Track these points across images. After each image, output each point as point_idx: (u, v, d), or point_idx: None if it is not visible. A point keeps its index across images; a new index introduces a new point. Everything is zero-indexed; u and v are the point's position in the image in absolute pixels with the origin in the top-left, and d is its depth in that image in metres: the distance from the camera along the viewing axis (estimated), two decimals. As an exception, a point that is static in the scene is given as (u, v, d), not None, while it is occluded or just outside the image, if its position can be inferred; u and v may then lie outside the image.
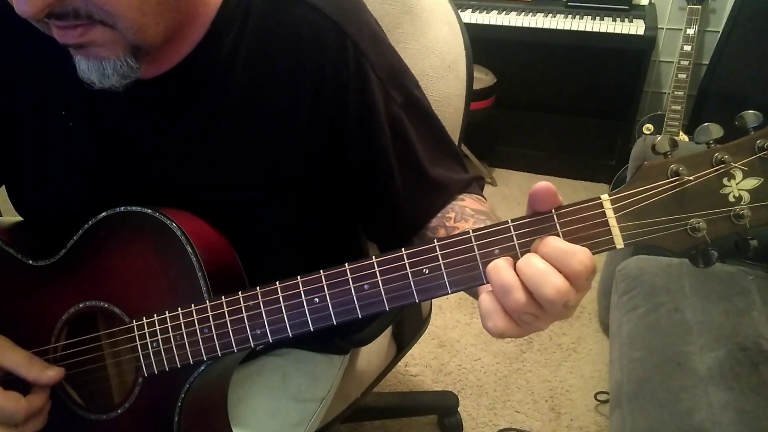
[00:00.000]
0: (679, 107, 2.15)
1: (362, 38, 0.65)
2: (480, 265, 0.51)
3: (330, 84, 0.64)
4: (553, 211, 0.50)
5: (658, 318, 1.29)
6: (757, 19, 2.04)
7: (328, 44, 0.63)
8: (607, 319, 1.55)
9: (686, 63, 2.14)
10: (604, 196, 0.50)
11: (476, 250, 0.51)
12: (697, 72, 2.24)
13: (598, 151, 2.58)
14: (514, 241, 0.51)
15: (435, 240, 0.52)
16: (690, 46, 2.13)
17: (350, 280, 0.55)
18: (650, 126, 2.23)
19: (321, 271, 0.56)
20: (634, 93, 2.31)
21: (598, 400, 1.60)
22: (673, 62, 2.37)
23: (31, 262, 0.69)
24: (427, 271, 0.53)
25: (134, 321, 0.64)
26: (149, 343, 0.63)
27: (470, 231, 0.51)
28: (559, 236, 0.50)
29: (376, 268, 0.54)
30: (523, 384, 1.67)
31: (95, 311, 0.67)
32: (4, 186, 0.77)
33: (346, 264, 0.55)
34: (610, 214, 0.49)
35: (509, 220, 0.51)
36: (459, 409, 1.54)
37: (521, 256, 0.50)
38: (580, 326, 1.86)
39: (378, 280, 0.54)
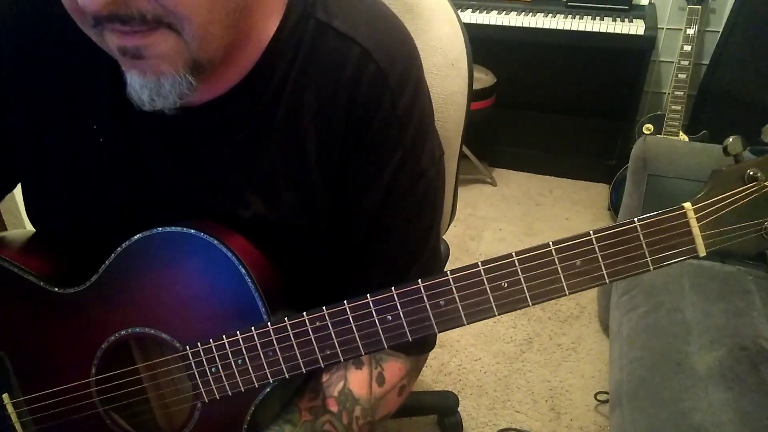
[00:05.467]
0: (679, 107, 2.15)
1: (403, 94, 0.62)
2: (562, 278, 0.52)
3: (357, 118, 0.61)
4: (636, 221, 0.50)
5: (658, 318, 1.29)
6: (757, 19, 2.04)
7: (365, 85, 0.60)
8: (607, 319, 1.55)
9: (686, 63, 2.14)
10: (687, 205, 0.50)
11: (557, 263, 0.52)
12: (697, 72, 2.24)
13: (598, 151, 2.58)
14: (596, 253, 0.51)
15: (513, 254, 0.52)
16: (690, 46, 2.13)
17: (425, 297, 0.55)
18: (650, 126, 2.23)
19: (392, 288, 0.55)
20: (634, 93, 2.31)
21: (598, 400, 1.60)
22: (673, 62, 2.37)
23: (57, 289, 0.64)
24: (506, 285, 0.53)
25: (188, 347, 0.61)
26: (207, 370, 0.60)
27: (551, 243, 0.52)
28: (642, 247, 0.50)
29: (452, 285, 0.54)
30: (523, 384, 1.67)
31: (129, 339, 0.64)
32: (9, 196, 0.74)
33: (419, 280, 0.55)
34: (693, 223, 0.50)
35: (591, 231, 0.51)
36: (459, 409, 1.54)
37: (604, 269, 0.51)
38: (580, 326, 1.86)
39: (455, 296, 0.54)
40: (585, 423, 1.55)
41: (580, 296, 1.97)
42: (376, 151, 0.62)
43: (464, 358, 1.75)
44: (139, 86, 0.51)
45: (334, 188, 0.64)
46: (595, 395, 1.60)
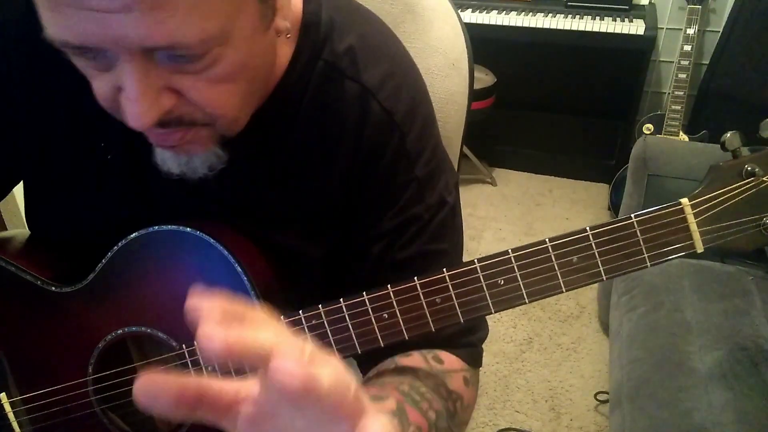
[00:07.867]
0: (679, 107, 2.15)
1: (411, 129, 0.62)
2: (559, 275, 0.51)
3: (364, 155, 0.62)
4: (633, 217, 0.50)
5: (658, 318, 1.29)
6: (757, 19, 2.04)
7: (371, 125, 0.61)
8: (607, 319, 1.55)
9: (686, 63, 2.14)
10: (684, 201, 0.49)
11: (554, 260, 0.51)
12: (697, 72, 2.24)
13: (598, 151, 2.58)
14: (593, 250, 0.50)
15: (510, 251, 0.52)
16: (690, 46, 2.13)
17: (421, 295, 0.54)
18: (650, 126, 2.23)
19: (389, 286, 0.55)
20: (634, 93, 2.31)
21: (598, 400, 1.60)
22: (673, 62, 2.37)
23: (54, 288, 0.64)
24: (502, 282, 0.52)
25: (184, 346, 0.61)
26: (204, 368, 0.60)
27: (547, 240, 0.51)
28: (639, 243, 0.50)
29: (449, 282, 0.54)
30: (523, 384, 1.67)
31: (126, 338, 0.64)
32: (9, 196, 0.73)
33: (415, 278, 0.55)
34: (690, 219, 0.49)
35: (587, 228, 0.50)
36: (459, 409, 1.54)
37: (601, 265, 0.50)
38: (580, 326, 1.86)
39: (451, 294, 0.54)
40: (585, 423, 1.55)
41: (580, 296, 1.97)
42: (389, 187, 0.63)
43: (464, 358, 1.75)
44: (170, 161, 0.55)
45: (339, 225, 0.64)
46: (595, 395, 1.60)
